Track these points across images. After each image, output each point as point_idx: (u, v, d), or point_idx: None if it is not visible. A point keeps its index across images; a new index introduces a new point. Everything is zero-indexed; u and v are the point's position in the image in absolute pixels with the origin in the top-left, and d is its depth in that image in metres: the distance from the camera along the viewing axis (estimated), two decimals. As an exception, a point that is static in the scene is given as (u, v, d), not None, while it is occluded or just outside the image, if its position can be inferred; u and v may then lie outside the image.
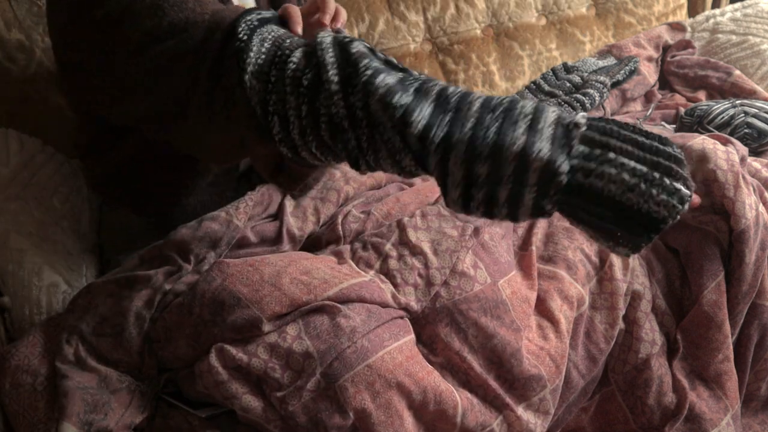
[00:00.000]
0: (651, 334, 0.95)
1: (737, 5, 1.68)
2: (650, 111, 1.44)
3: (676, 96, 1.51)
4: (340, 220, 0.95)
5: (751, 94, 1.43)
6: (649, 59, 1.57)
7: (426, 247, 0.86)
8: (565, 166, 0.55)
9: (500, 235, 0.93)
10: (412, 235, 0.88)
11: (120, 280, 0.84)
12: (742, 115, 1.26)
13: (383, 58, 0.60)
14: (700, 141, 1.01)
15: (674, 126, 1.35)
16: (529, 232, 1.00)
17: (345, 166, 1.08)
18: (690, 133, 1.11)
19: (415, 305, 0.82)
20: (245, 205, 0.93)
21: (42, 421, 0.75)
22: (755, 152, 1.24)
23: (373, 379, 0.74)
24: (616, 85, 1.45)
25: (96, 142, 0.93)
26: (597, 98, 1.37)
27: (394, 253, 0.87)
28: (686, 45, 1.63)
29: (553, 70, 1.53)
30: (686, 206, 0.55)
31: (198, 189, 0.93)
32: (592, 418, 0.98)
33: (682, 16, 1.82)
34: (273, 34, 0.64)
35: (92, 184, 1.02)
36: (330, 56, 0.59)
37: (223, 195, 0.96)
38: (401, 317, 0.82)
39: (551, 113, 0.57)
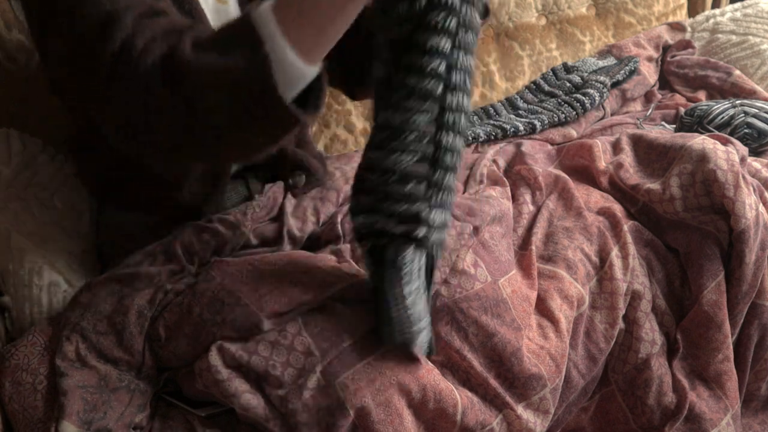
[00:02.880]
0: (651, 334, 0.95)
1: (737, 5, 1.68)
2: (650, 111, 1.44)
3: (676, 96, 1.51)
4: (339, 219, 0.95)
5: (751, 94, 1.43)
6: (649, 59, 1.57)
7: (425, 246, 0.86)
8: None
9: (500, 234, 0.93)
10: (412, 234, 0.88)
11: (121, 277, 0.85)
12: (742, 115, 1.26)
13: None
14: (700, 141, 1.01)
15: (674, 126, 1.35)
16: (529, 231, 1.00)
17: (345, 166, 1.09)
18: (690, 133, 1.11)
19: (414, 304, 0.83)
20: (252, 211, 0.93)
21: (42, 420, 0.75)
22: (755, 152, 1.24)
23: (374, 376, 0.74)
24: (616, 85, 1.46)
25: (84, 135, 0.92)
26: (597, 98, 1.37)
27: (393, 252, 0.87)
28: (686, 45, 1.63)
29: (553, 70, 1.53)
30: None
31: (190, 180, 0.90)
32: (592, 418, 0.98)
33: (682, 16, 1.82)
34: None
35: (86, 183, 1.01)
36: None
37: (218, 184, 0.92)
38: (401, 316, 0.82)
39: None
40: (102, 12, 0.65)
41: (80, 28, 0.66)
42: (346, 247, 0.91)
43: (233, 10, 0.92)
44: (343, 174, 1.05)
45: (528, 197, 1.05)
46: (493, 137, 1.28)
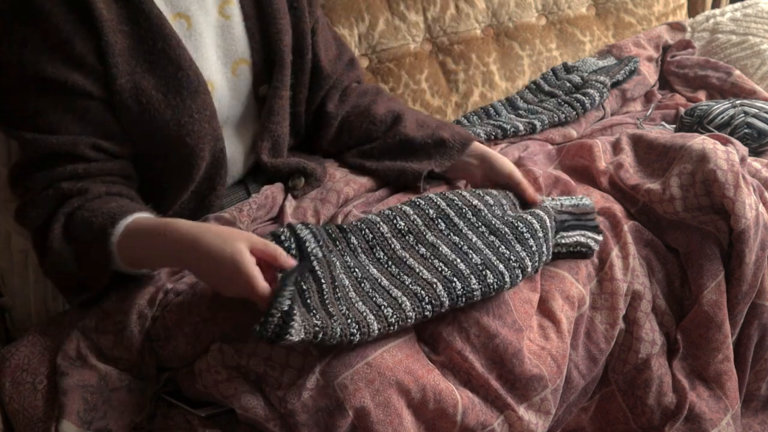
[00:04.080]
0: (651, 334, 0.95)
1: (737, 5, 1.68)
2: (650, 111, 1.44)
3: (676, 96, 1.51)
4: (340, 219, 0.95)
5: (751, 94, 1.43)
6: (649, 59, 1.57)
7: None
8: None
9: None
10: (412, 235, 0.88)
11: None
12: (742, 115, 1.26)
13: None
14: (700, 141, 1.01)
15: (674, 126, 1.35)
16: (529, 231, 1.00)
17: (344, 167, 1.09)
18: (690, 133, 1.11)
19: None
20: (249, 207, 0.93)
21: (42, 419, 0.75)
22: (755, 152, 1.24)
23: (373, 377, 0.74)
24: (616, 85, 1.46)
25: None
26: (597, 98, 1.37)
27: (393, 253, 0.87)
28: (686, 45, 1.63)
29: (553, 70, 1.53)
30: None
31: (175, 206, 0.92)
32: (592, 418, 0.98)
33: (682, 16, 1.82)
34: None
35: None
36: None
37: (205, 203, 0.94)
38: (401, 316, 0.82)
39: None
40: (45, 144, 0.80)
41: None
42: (346, 247, 0.91)
43: (237, 25, 0.92)
44: (344, 175, 1.05)
45: (528, 197, 1.05)
46: (493, 137, 1.28)
